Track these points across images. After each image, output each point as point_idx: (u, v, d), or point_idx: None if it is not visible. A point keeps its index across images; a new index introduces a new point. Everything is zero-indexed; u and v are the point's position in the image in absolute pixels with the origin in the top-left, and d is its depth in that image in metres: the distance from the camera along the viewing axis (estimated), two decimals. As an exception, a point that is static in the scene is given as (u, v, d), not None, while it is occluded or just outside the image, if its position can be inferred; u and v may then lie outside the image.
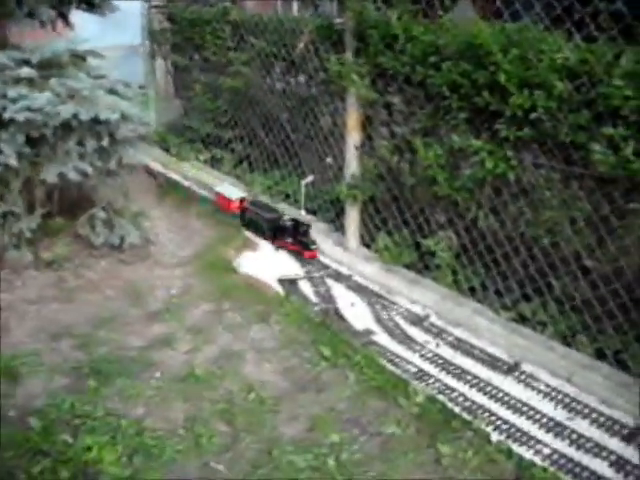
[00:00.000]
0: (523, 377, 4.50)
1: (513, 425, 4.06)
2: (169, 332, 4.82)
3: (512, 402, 4.26)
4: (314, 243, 5.88)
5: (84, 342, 4.65)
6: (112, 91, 5.56)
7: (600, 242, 4.47)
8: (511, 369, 4.57)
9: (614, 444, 3.95)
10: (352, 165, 5.79)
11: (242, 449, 3.82)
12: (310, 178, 6.40)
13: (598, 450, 3.90)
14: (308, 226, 5.91)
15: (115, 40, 8.34)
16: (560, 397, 4.32)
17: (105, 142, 5.36)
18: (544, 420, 4.12)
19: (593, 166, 4.24)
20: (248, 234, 6.32)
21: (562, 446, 3.92)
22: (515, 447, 3.88)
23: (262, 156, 7.37)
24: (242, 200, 6.59)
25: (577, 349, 4.64)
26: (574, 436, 4.00)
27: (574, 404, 4.26)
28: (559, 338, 4.74)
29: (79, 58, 5.78)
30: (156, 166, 7.77)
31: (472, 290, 5.24)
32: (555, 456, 3.84)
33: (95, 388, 4.19)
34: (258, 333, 4.86)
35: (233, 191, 6.80)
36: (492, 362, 4.65)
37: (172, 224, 6.58)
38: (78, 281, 5.44)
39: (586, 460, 3.82)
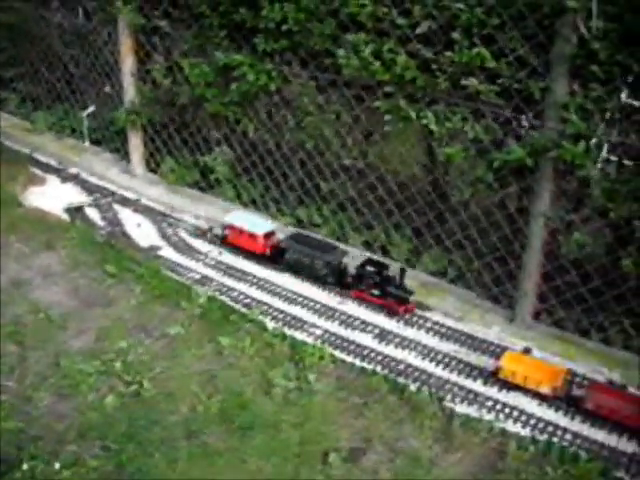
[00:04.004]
0: (299, 272, 4.89)
1: (288, 314, 4.44)
2: (-47, 269, 4.81)
3: (289, 295, 4.63)
4: (412, 293, 4.49)
5: None
6: None
7: (354, 141, 4.87)
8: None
9: (380, 320, 4.43)
10: (129, 91, 5.88)
11: (31, 365, 3.97)
12: (91, 108, 6.41)
13: (364, 326, 4.36)
14: (403, 271, 4.48)
15: None
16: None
17: None
18: (317, 307, 4.53)
19: (342, 72, 4.58)
20: (35, 170, 6.28)
21: (332, 327, 4.35)
22: (290, 332, 4.26)
23: (45, 92, 7.27)
24: (270, 234, 4.98)
25: (348, 244, 5.07)
26: (343, 317, 4.44)
27: (346, 291, 4.69)
28: (332, 236, 5.15)
29: None
30: None
31: (253, 202, 5.54)
32: (326, 335, 4.26)
33: None
34: (45, 260, 4.95)
35: (256, 222, 5.09)
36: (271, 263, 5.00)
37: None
38: None
39: (353, 336, 4.27)
